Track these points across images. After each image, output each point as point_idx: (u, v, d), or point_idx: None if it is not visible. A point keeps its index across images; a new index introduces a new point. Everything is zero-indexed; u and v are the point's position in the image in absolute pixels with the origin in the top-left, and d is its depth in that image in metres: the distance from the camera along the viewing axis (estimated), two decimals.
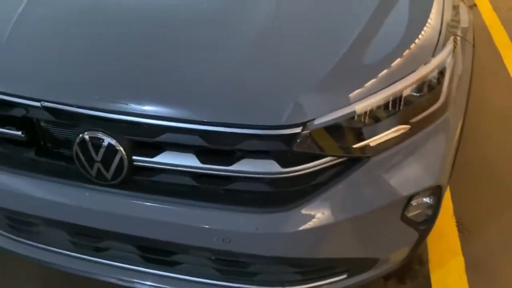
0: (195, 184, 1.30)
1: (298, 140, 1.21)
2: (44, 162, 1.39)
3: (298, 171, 1.24)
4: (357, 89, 1.26)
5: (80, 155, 1.28)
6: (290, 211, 1.26)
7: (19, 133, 1.36)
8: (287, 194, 1.28)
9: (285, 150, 1.22)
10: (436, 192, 1.42)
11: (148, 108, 1.24)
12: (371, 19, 1.38)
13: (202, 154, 1.26)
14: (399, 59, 1.33)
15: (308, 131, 1.21)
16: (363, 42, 1.33)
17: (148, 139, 1.26)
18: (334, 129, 1.24)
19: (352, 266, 1.46)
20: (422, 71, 1.33)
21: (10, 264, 1.91)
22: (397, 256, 1.52)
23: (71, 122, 1.30)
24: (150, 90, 1.26)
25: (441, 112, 1.39)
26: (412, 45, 1.36)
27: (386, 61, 1.32)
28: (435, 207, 1.46)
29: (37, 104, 1.29)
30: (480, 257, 1.92)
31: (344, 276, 1.47)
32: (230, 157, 1.26)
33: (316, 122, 1.21)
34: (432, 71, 1.35)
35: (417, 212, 1.42)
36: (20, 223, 1.55)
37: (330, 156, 1.25)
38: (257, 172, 1.24)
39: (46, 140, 1.39)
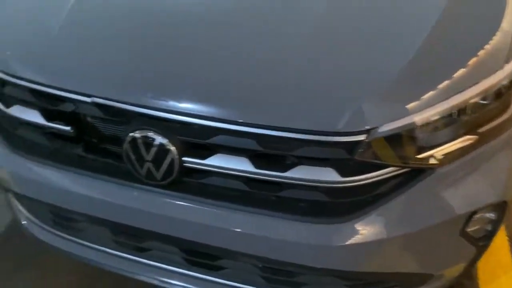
0: (246, 189, 1.25)
1: (360, 149, 1.14)
2: (91, 159, 1.36)
3: (357, 181, 1.17)
4: (424, 96, 1.18)
5: (130, 153, 1.24)
6: (346, 223, 1.20)
7: (68, 128, 1.33)
8: (343, 205, 1.21)
9: (346, 158, 1.15)
10: (501, 208, 1.33)
11: (202, 109, 1.18)
12: (439, 23, 1.29)
13: (256, 158, 1.20)
14: (469, 65, 1.24)
15: (371, 139, 1.14)
16: (431, 47, 1.24)
17: (200, 140, 1.21)
18: (398, 138, 1.16)
19: (405, 281, 1.39)
20: (494, 79, 1.24)
21: (47, 257, 1.92)
22: (452, 272, 1.44)
23: (121, 119, 1.26)
24: (205, 91, 1.21)
25: (511, 122, 1.30)
26: (483, 51, 1.27)
27: (455, 67, 1.23)
28: (497, 223, 1.37)
29: (87, 99, 1.26)
30: None
31: None
32: (285, 163, 1.20)
33: (380, 130, 1.14)
34: (504, 78, 1.26)
35: (477, 227, 1.33)
36: (64, 219, 1.53)
37: (393, 166, 1.18)
38: (314, 180, 1.17)
39: (95, 137, 1.35)
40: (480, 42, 1.29)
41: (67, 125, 1.33)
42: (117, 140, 1.29)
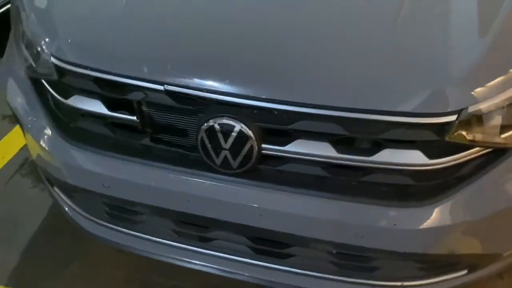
0: (326, 174, 1.22)
1: (450, 130, 1.12)
2: (157, 148, 1.32)
3: (444, 163, 1.15)
4: (509, 76, 1.16)
5: (206, 142, 1.20)
6: (429, 205, 1.18)
7: (134, 118, 1.29)
8: (427, 188, 1.19)
9: (435, 140, 1.13)
10: None
11: (283, 93, 1.15)
12: None
13: (338, 143, 1.17)
14: None
15: (461, 119, 1.12)
16: None
17: (281, 126, 1.17)
18: (484, 118, 1.14)
19: (475, 262, 1.39)
20: None
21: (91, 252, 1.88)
22: None
23: (196, 107, 1.21)
24: (285, 75, 1.17)
25: None
26: None
27: None
28: None
29: (159, 87, 1.21)
30: None
31: (465, 272, 1.40)
32: (369, 147, 1.17)
33: (470, 110, 1.12)
34: None
35: None
36: (123, 211, 1.49)
37: (478, 146, 1.16)
38: (400, 164, 1.15)
39: (161, 126, 1.30)
40: None
41: (132, 114, 1.29)
42: (187, 129, 1.25)
